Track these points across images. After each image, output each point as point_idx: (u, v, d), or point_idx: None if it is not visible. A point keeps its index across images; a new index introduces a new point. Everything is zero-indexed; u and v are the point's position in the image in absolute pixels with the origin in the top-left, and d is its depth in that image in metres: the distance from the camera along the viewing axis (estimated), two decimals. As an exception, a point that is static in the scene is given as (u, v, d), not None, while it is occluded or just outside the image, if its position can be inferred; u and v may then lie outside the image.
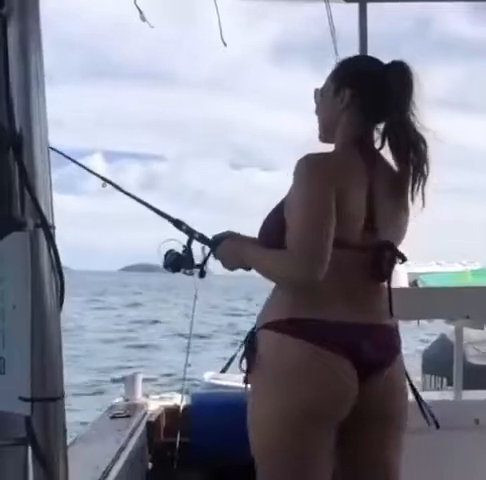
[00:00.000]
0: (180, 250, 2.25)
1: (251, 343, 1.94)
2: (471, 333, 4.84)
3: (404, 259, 2.04)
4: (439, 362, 5.24)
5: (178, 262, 2.24)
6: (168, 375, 12.76)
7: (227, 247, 2.15)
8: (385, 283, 2.01)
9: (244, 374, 1.95)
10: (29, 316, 1.14)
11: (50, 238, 1.16)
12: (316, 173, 1.92)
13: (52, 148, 1.25)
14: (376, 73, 2.04)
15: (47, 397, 1.17)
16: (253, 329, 1.98)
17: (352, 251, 1.94)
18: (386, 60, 2.06)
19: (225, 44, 2.91)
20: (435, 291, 3.15)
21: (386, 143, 2.04)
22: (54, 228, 1.18)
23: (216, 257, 2.18)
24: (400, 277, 3.31)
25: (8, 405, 1.18)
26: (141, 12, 2.63)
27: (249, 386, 1.95)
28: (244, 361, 1.97)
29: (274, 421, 1.88)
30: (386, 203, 2.00)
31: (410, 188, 2.01)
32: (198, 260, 2.25)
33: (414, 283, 3.72)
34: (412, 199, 2.03)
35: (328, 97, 2.09)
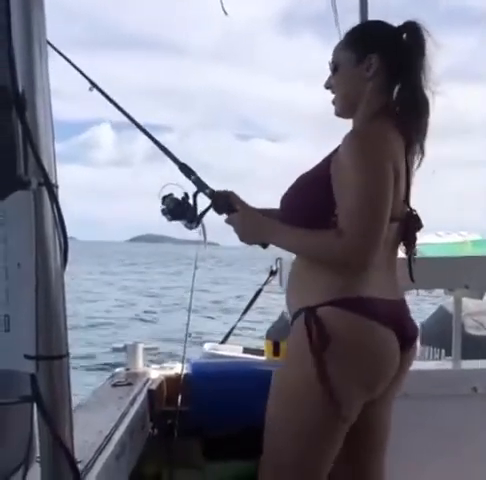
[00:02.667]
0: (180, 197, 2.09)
1: (317, 321, 1.88)
2: (469, 304, 4.87)
3: (421, 226, 2.05)
4: (438, 333, 5.27)
5: (178, 210, 2.09)
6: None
7: (245, 218, 2.05)
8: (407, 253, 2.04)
9: (315, 352, 1.87)
10: (33, 274, 1.15)
11: (53, 197, 1.16)
12: (378, 150, 1.86)
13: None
14: (394, 35, 2.00)
15: (52, 355, 1.18)
16: (306, 307, 1.92)
17: (394, 225, 1.93)
18: None
19: (225, 13, 2.89)
20: (434, 261, 3.15)
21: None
22: (57, 187, 1.19)
23: (234, 228, 2.07)
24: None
25: (13, 363, 1.19)
26: None
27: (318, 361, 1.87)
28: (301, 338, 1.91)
29: (340, 389, 1.88)
30: (413, 173, 2.02)
31: (417, 153, 2.00)
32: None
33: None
34: (418, 165, 2.03)
35: (349, 68, 2.01)
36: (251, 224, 2.04)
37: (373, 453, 2.16)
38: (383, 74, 1.98)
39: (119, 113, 2.24)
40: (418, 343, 2.16)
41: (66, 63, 2.00)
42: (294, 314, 1.98)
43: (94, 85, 2.17)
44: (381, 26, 2.09)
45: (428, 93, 1.96)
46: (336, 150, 1.92)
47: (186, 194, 2.11)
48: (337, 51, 2.05)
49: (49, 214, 1.17)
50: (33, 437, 1.42)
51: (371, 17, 3.22)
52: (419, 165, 2.03)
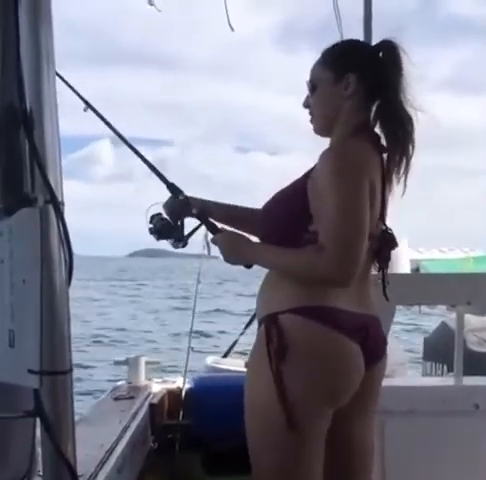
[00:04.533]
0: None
1: (278, 328, 1.88)
2: (472, 320, 4.87)
3: (396, 245, 2.06)
4: (440, 349, 5.27)
5: (165, 230, 2.12)
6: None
7: (232, 240, 2.08)
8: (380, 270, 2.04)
9: (272, 356, 1.86)
10: (39, 290, 1.16)
11: (59, 214, 1.18)
12: (354, 167, 1.87)
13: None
14: (371, 54, 2.03)
15: (56, 370, 1.19)
16: (269, 314, 1.93)
17: (368, 241, 1.91)
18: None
19: (232, 29, 2.92)
20: (437, 277, 3.17)
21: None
22: (63, 204, 1.20)
23: (218, 248, 2.09)
24: (403, 263, 3.33)
25: (17, 378, 1.20)
26: None
27: (277, 368, 1.86)
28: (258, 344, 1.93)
29: (298, 404, 1.86)
30: (390, 191, 2.03)
31: (396, 170, 2.01)
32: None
33: (416, 269, 3.75)
34: (397, 182, 2.03)
35: (327, 88, 2.02)
36: (235, 245, 2.07)
37: (356, 474, 2.12)
38: (361, 93, 1.99)
39: (119, 128, 2.26)
40: (394, 359, 2.13)
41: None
42: (259, 321, 1.99)
43: (89, 105, 2.19)
44: (358, 45, 2.12)
45: (410, 110, 1.97)
46: (314, 167, 1.94)
47: (164, 216, 2.13)
48: (315, 70, 2.06)
49: (55, 231, 1.18)
50: (35, 451, 1.43)
51: (375, 30, 3.24)
52: (404, 183, 2.02)
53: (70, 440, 1.24)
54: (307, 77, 2.08)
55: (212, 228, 2.14)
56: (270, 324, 1.90)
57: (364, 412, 2.07)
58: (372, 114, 2.03)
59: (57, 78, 1.24)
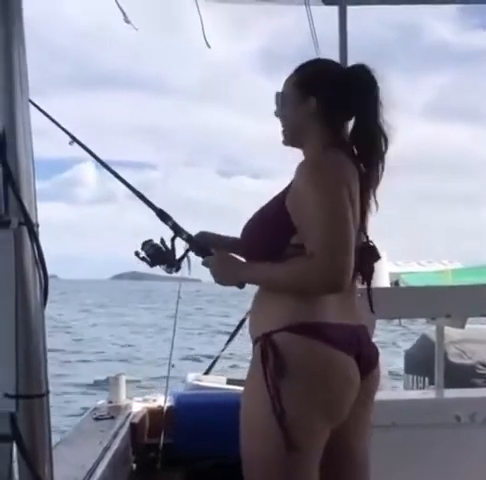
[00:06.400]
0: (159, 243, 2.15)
1: (273, 346, 1.87)
2: (452, 332, 4.88)
3: (379, 258, 2.07)
4: (421, 362, 5.28)
5: (158, 256, 2.14)
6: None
7: (221, 262, 2.09)
8: (364, 283, 2.05)
9: (268, 377, 1.85)
10: (13, 313, 1.15)
11: (34, 236, 1.17)
12: (332, 177, 1.90)
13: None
14: (339, 77, 2.06)
15: (32, 394, 1.18)
16: (263, 333, 1.91)
17: None
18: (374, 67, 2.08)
19: (209, 46, 2.92)
20: (416, 290, 3.19)
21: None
22: (38, 226, 1.20)
23: (210, 270, 2.10)
24: (382, 277, 3.34)
25: (-7, 402, 1.18)
26: (125, 14, 2.64)
27: (273, 387, 1.85)
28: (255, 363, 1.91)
29: (296, 423, 1.85)
30: (368, 204, 2.04)
31: (373, 189, 2.03)
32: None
33: (396, 283, 3.77)
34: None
35: (294, 104, 2.07)
36: (226, 267, 2.08)
37: None
38: (322, 114, 2.03)
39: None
40: (382, 369, 2.14)
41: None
42: (253, 341, 1.99)
43: (74, 139, 2.21)
44: (326, 68, 2.13)
45: (385, 127, 2.00)
46: (291, 182, 1.97)
47: (162, 240, 2.16)
48: (286, 84, 2.11)
49: (29, 253, 1.18)
50: (12, 476, 1.41)
51: (351, 54, 3.26)
52: (374, 199, 2.04)
53: (47, 463, 1.22)
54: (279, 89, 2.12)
55: (202, 251, 2.15)
56: (265, 343, 1.89)
57: (360, 423, 2.06)
58: (347, 130, 2.06)
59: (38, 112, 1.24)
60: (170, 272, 2.18)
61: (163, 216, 2.20)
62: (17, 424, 1.18)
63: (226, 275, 2.07)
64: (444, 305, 3.13)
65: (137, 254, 2.17)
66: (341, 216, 1.85)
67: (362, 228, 2.02)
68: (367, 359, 1.99)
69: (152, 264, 2.15)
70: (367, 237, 2.05)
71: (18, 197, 1.16)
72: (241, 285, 2.06)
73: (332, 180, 1.89)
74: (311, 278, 1.85)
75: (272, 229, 1.95)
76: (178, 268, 2.17)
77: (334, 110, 2.04)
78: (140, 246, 2.16)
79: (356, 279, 2.03)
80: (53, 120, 2.12)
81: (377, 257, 2.06)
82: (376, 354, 2.06)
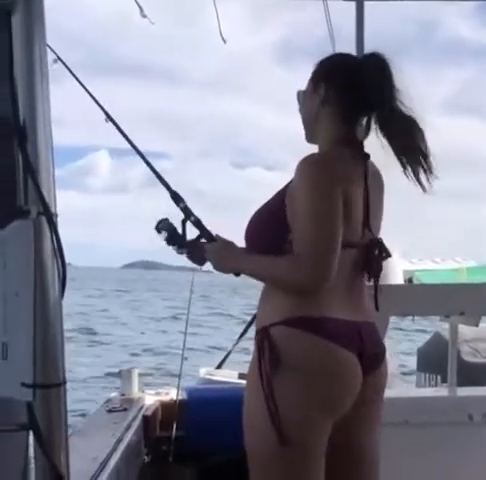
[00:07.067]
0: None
1: (269, 340, 1.88)
2: (465, 331, 4.87)
3: (389, 255, 2.06)
4: (434, 360, 5.26)
5: (171, 236, 2.19)
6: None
7: (222, 249, 2.13)
8: (371, 280, 2.04)
9: (263, 371, 1.86)
10: (32, 303, 1.16)
11: (53, 226, 1.17)
12: (324, 174, 1.91)
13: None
14: (351, 67, 2.06)
15: (49, 383, 1.19)
16: (262, 327, 1.93)
17: (351, 250, 1.95)
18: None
19: (224, 41, 2.94)
20: (431, 288, 3.17)
21: (382, 135, 2.03)
22: (57, 216, 1.20)
23: (208, 257, 2.15)
24: (396, 274, 3.33)
25: (10, 391, 1.19)
26: (141, 8, 2.65)
27: (268, 381, 1.86)
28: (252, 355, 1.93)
29: (294, 418, 1.86)
30: (375, 200, 2.04)
31: (412, 174, 2.00)
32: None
33: (409, 280, 3.75)
34: (419, 182, 2.01)
35: (307, 96, 2.10)
36: (223, 254, 2.12)
37: None
38: (334, 104, 2.04)
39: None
40: (390, 367, 2.12)
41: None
42: (255, 335, 2.01)
43: (109, 117, 2.30)
44: (341, 59, 2.15)
45: (415, 117, 1.98)
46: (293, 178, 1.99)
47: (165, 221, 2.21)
48: (308, 81, 2.15)
49: (48, 243, 1.18)
50: (28, 466, 1.42)
51: (368, 48, 3.25)
52: (419, 183, 2.01)
53: (63, 453, 1.23)
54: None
55: (208, 237, 2.18)
56: (262, 337, 1.91)
57: (369, 421, 2.05)
58: (361, 127, 2.05)
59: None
60: (181, 253, 2.21)
61: (176, 198, 2.24)
62: (34, 413, 1.18)
63: (223, 262, 2.12)
64: (458, 303, 3.12)
65: (157, 229, 2.21)
66: (327, 219, 1.86)
67: (367, 225, 2.01)
68: (371, 356, 1.98)
69: (167, 244, 2.20)
70: (373, 234, 2.03)
71: (37, 187, 1.16)
72: (237, 273, 2.10)
73: (323, 178, 1.90)
74: (293, 279, 1.88)
75: (272, 225, 1.97)
76: (190, 252, 2.21)
77: (343, 96, 2.03)
78: (156, 224, 2.22)
79: (363, 276, 2.03)
80: (91, 95, 2.23)
81: (386, 254, 2.05)
82: (382, 351, 2.05)
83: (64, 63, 2.05)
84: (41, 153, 1.19)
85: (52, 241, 1.18)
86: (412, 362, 7.18)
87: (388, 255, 2.06)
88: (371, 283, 2.05)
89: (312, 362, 1.88)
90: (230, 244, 2.14)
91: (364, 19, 3.24)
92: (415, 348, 6.58)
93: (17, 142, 1.17)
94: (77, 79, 2.19)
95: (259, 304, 2.05)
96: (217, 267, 2.13)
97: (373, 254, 2.01)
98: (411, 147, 1.99)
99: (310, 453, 1.91)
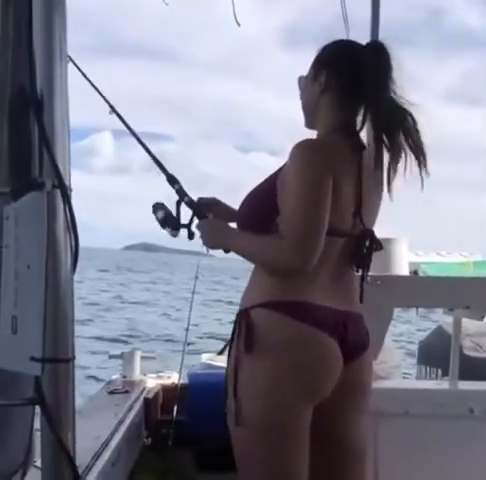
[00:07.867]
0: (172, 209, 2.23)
1: (247, 321, 1.91)
2: (468, 325, 4.85)
3: (381, 247, 2.05)
4: (435, 353, 5.25)
5: (164, 218, 2.23)
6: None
7: (211, 226, 2.16)
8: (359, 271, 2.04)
9: (241, 351, 1.90)
10: (43, 277, 1.15)
11: (67, 199, 1.16)
12: (316, 159, 1.92)
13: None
14: (352, 55, 2.05)
15: (58, 358, 1.18)
16: (243, 308, 1.96)
17: (339, 239, 1.96)
18: (398, 49, 2.04)
19: (238, 24, 2.92)
20: (436, 280, 3.15)
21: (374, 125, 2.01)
22: (71, 190, 1.19)
23: (200, 233, 2.18)
24: (402, 266, 3.32)
25: (19, 365, 1.18)
26: None
27: (236, 362, 1.91)
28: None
29: (269, 397, 1.88)
30: (370, 191, 2.02)
31: (403, 166, 1.99)
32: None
33: (415, 272, 3.73)
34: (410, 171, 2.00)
35: (307, 83, 2.10)
36: (216, 231, 2.14)
37: (350, 475, 2.10)
38: (333, 91, 2.04)
39: (119, 121, 2.38)
40: (393, 358, 2.12)
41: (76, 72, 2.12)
42: (235, 317, 2.02)
43: (113, 109, 2.35)
44: (343, 46, 2.13)
45: (407, 107, 1.97)
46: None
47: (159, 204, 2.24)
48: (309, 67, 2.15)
49: (61, 217, 1.17)
50: (32, 441, 1.42)
51: (382, 34, 3.24)
52: (388, 186, 2.00)
53: (70, 430, 1.22)
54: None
55: (200, 215, 2.22)
56: (241, 318, 1.93)
57: (355, 411, 2.06)
58: (359, 116, 2.05)
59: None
60: (174, 235, 2.23)
61: (172, 180, 2.28)
62: (42, 388, 1.17)
63: (213, 240, 2.14)
64: (464, 296, 3.10)
65: (154, 212, 2.24)
66: (314, 197, 1.87)
67: (358, 215, 1.99)
68: (353, 344, 1.98)
69: (161, 227, 2.22)
70: (364, 225, 2.02)
71: (53, 159, 1.15)
72: (226, 251, 2.12)
73: (315, 162, 1.90)
74: (277, 261, 1.89)
75: (262, 208, 1.98)
76: (191, 235, 2.23)
77: (343, 84, 2.03)
78: (151, 209, 2.25)
79: (351, 267, 2.03)
80: (92, 84, 2.26)
81: (377, 246, 2.04)
82: (365, 341, 2.05)
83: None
84: (57, 126, 1.17)
85: (65, 215, 1.17)
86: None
87: (380, 247, 2.05)
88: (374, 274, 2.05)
89: (289, 346, 1.89)
90: (220, 221, 2.17)
91: (379, 5, 3.22)
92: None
93: (33, 113, 1.16)
94: (81, 72, 2.18)
95: (246, 286, 2.05)
96: (206, 243, 2.15)
97: (363, 245, 2.00)
98: (398, 137, 1.98)
99: (289, 434, 1.91)
